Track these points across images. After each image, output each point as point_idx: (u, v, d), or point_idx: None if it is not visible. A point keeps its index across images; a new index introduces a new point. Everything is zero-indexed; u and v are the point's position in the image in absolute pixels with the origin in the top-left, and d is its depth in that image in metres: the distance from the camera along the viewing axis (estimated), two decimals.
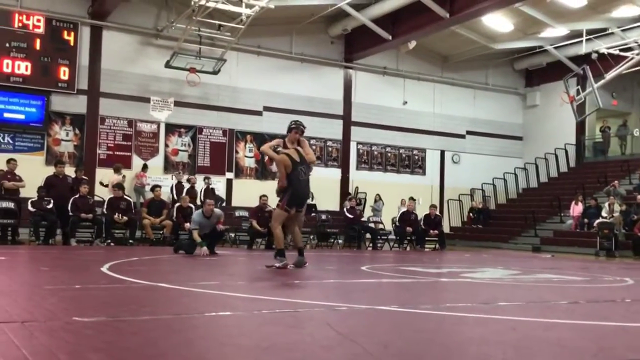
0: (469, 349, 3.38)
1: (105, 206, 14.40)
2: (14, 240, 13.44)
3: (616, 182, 19.32)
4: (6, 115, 16.80)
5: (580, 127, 23.91)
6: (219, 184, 18.91)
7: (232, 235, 16.00)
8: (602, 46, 19.82)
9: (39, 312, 4.17)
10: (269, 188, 17.79)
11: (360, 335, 3.65)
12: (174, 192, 16.51)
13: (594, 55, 19.43)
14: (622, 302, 6.11)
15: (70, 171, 15.37)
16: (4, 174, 14.12)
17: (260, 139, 20.36)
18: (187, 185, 16.75)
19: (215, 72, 18.57)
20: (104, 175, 17.31)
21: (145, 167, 18.03)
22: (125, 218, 14.05)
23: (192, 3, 15.86)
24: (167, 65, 18.03)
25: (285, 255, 8.37)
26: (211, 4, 15.76)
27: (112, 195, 14.62)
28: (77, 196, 13.91)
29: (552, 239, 19.02)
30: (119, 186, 14.75)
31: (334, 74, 21.74)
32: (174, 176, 17.56)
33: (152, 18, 18.79)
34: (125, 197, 14.65)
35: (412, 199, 18.85)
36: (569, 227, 19.17)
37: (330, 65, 21.61)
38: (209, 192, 16.52)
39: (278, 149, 8.96)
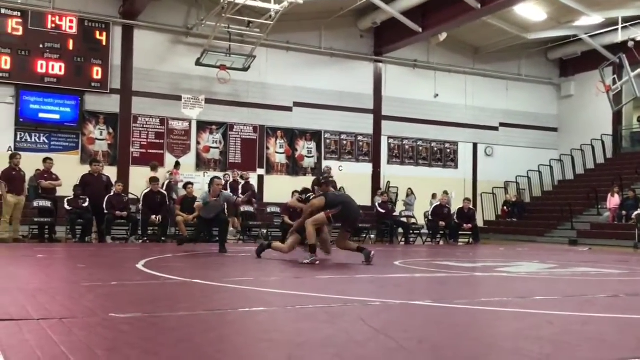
0: (505, 344, 3.33)
1: (141, 202, 14.59)
2: (51, 238, 13.73)
3: None
4: (41, 115, 17.12)
5: (617, 117, 23.40)
6: (250, 181, 19.02)
7: (265, 231, 16.09)
8: (639, 34, 19.36)
9: (77, 309, 4.24)
10: (300, 184, 17.85)
11: (395, 330, 3.62)
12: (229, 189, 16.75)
13: (631, 44, 19.01)
14: None
15: (105, 170, 15.62)
16: (40, 173, 14.41)
17: (290, 134, 20.44)
18: (241, 182, 16.99)
19: (245, 69, 18.65)
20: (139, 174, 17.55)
21: (177, 165, 18.21)
22: (160, 218, 14.23)
23: (222, 0, 15.94)
24: (198, 63, 18.17)
25: (316, 252, 8.44)
26: (240, 1, 15.82)
27: (148, 190, 14.78)
28: (112, 194, 14.13)
29: (589, 231, 18.67)
30: (155, 180, 14.95)
31: (364, 68, 21.64)
32: (228, 174, 17.63)
33: (182, 16, 18.94)
34: (160, 191, 14.84)
35: (445, 192, 18.69)
36: (606, 219, 18.80)
37: (360, 59, 21.52)
38: (249, 186, 16.63)
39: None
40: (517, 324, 4.04)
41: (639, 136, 23.79)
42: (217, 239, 11.48)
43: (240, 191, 16.18)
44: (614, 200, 18.69)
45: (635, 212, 16.82)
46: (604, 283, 7.20)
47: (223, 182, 11.71)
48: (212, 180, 11.18)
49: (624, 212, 17.93)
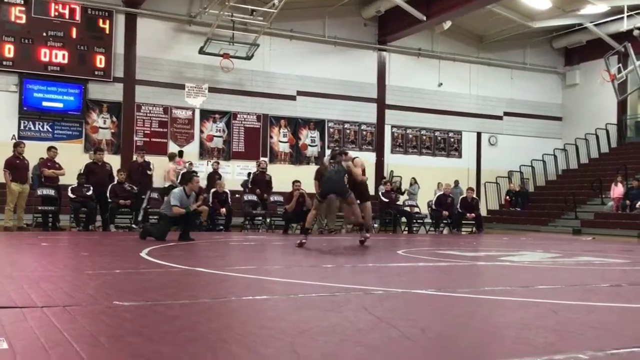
0: (509, 333, 3.33)
1: (210, 198, 14.79)
2: (54, 226, 13.76)
3: None
4: (45, 104, 17.13)
5: (622, 106, 23.32)
6: (253, 170, 19.01)
7: (268, 220, 16.10)
8: None
9: (81, 297, 4.25)
10: (303, 173, 17.85)
11: (398, 319, 3.62)
12: (249, 181, 16.98)
13: (636, 32, 18.89)
14: None
15: (108, 158, 15.64)
16: (44, 161, 14.42)
17: (294, 123, 20.40)
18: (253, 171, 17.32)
19: (248, 58, 18.60)
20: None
21: (180, 154, 18.21)
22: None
23: None
24: (201, 51, 18.13)
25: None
26: None
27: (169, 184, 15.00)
28: (115, 183, 14.15)
29: (593, 221, 18.64)
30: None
31: (368, 57, 21.57)
32: (256, 165, 17.71)
33: (185, 4, 18.89)
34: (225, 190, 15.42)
35: (456, 182, 18.67)
36: (610, 208, 18.77)
37: (363, 48, 21.45)
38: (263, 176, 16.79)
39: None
40: (520, 313, 4.04)
41: None
42: (205, 227, 11.40)
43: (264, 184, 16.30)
44: (617, 190, 18.65)
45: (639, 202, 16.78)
46: (607, 272, 7.19)
47: (199, 179, 11.34)
48: (191, 177, 10.80)
49: (628, 202, 17.90)
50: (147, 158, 15.89)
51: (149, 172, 15.35)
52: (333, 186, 9.80)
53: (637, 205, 16.81)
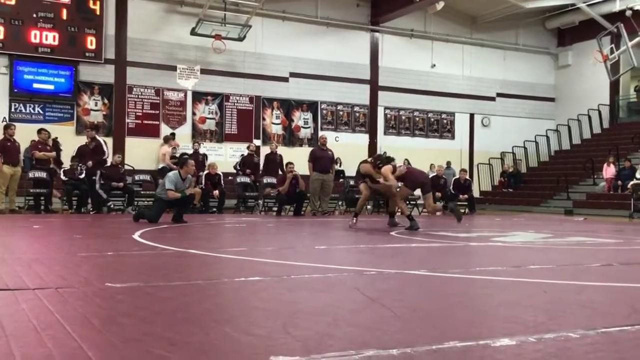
0: (499, 312, 3.36)
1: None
2: (47, 209, 13.72)
3: None
4: (35, 85, 16.99)
5: (614, 87, 23.33)
6: (246, 152, 18.97)
7: (261, 202, 16.11)
8: (637, 3, 19.18)
9: (73, 279, 4.25)
10: (296, 155, 17.85)
11: (390, 299, 3.64)
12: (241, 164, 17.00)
13: (629, 13, 18.83)
14: None
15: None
16: (35, 144, 14.34)
17: (287, 105, 20.34)
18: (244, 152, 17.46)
19: (240, 39, 18.47)
20: (134, 145, 17.49)
21: (173, 136, 18.12)
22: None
23: None
24: (193, 32, 17.98)
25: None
26: None
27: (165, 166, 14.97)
28: (108, 165, 14.09)
29: (585, 201, 18.74)
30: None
31: (360, 38, 21.46)
32: (273, 144, 17.93)
33: None
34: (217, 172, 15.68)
35: (448, 163, 18.67)
36: (602, 189, 18.86)
37: (356, 29, 21.33)
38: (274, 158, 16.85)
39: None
40: (511, 293, 4.07)
41: (636, 106, 23.75)
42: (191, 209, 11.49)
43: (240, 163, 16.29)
44: (610, 170, 18.73)
45: (631, 182, 16.86)
46: (598, 252, 7.25)
47: (194, 162, 11.25)
48: (186, 160, 10.80)
49: (619, 182, 17.99)
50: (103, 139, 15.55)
51: (104, 156, 14.47)
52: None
53: (628, 186, 16.89)
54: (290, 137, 20.42)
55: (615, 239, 9.19)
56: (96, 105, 17.93)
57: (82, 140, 15.09)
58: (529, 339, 2.68)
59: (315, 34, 20.59)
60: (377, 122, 21.75)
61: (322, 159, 15.29)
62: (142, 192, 15.20)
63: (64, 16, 17.23)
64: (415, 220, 9.77)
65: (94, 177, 13.86)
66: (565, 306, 3.55)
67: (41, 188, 13.74)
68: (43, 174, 13.78)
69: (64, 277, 4.31)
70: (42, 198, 13.81)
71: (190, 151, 16.61)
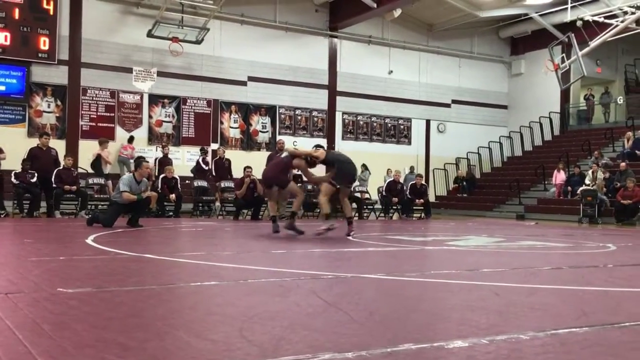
0: (453, 315, 3.41)
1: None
2: None
3: (596, 152, 19.55)
4: None
5: (565, 95, 24.00)
6: (201, 157, 18.82)
7: (218, 205, 15.98)
8: (587, 13, 19.72)
9: (23, 284, 4.14)
10: (255, 159, 17.79)
11: (346, 302, 3.67)
12: (211, 167, 17.01)
13: (579, 23, 19.33)
14: (604, 267, 6.19)
15: (53, 143, 15.15)
16: None
17: (245, 109, 20.25)
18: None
19: (198, 42, 18.32)
20: (88, 148, 17.16)
21: (131, 139, 17.86)
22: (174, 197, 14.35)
23: None
24: (149, 34, 17.75)
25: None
26: None
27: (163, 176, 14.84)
28: (60, 168, 13.78)
29: (536, 206, 19.20)
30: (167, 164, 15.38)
31: (319, 43, 21.55)
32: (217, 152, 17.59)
33: None
34: (174, 176, 15.05)
35: (412, 168, 18.91)
36: (552, 194, 19.34)
37: (315, 34, 21.41)
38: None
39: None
40: (464, 296, 4.14)
41: (586, 114, 24.46)
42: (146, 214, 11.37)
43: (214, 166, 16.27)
44: (560, 176, 19.23)
45: (580, 188, 17.35)
46: (548, 256, 7.43)
47: (151, 165, 11.12)
48: (140, 162, 10.71)
49: (569, 188, 18.48)
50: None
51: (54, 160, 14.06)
52: (353, 171, 9.90)
53: (577, 192, 17.37)
54: (249, 141, 20.34)
55: (565, 243, 9.44)
56: (49, 107, 17.53)
57: (34, 142, 14.71)
58: (482, 341, 2.74)
59: (274, 38, 20.58)
60: (335, 127, 21.86)
61: None
62: (95, 196, 14.92)
63: (16, 16, 16.81)
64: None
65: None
66: (517, 308, 3.63)
67: None
68: None
69: (14, 282, 4.20)
70: None
71: (147, 154, 16.42)
